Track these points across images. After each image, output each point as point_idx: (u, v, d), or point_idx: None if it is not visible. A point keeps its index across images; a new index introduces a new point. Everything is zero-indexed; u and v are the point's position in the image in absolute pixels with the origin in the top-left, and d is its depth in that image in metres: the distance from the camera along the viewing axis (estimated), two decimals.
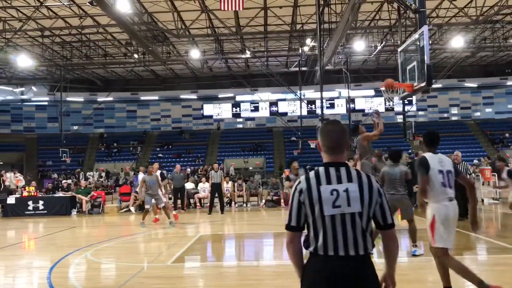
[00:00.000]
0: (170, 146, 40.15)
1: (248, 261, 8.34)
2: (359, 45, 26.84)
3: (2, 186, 21.78)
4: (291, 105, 41.08)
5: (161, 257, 8.49)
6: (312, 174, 2.55)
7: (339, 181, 2.48)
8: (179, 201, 17.27)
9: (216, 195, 16.23)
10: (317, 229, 2.47)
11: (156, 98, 41.93)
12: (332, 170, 2.52)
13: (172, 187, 17.55)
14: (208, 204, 16.76)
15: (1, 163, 38.42)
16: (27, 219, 16.21)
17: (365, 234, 2.47)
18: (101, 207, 17.81)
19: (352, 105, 38.26)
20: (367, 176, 2.56)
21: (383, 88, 9.89)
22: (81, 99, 41.07)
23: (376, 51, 27.81)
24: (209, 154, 38.74)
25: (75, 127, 39.45)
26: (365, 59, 33.73)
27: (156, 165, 15.14)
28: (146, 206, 12.80)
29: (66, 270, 7.44)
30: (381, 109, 35.49)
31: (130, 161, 37.96)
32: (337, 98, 41.10)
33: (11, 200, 17.29)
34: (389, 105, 35.56)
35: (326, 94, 35.68)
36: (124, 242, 10.24)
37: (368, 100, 41.18)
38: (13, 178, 22.30)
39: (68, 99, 37.38)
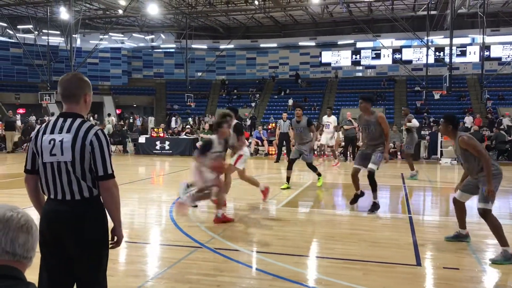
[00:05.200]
0: (288, 91, 40.15)
1: (359, 211, 8.25)
2: None
3: (135, 127, 23.98)
4: (417, 53, 38.36)
5: (274, 199, 8.76)
6: (45, 123, 2.83)
7: (60, 131, 2.71)
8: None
9: (284, 144, 16.35)
10: (41, 174, 2.75)
11: (275, 45, 41.97)
12: (60, 121, 2.75)
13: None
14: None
15: (135, 105, 42.24)
16: (155, 157, 17.79)
17: (80, 181, 2.69)
18: None
19: (486, 53, 34.55)
20: (89, 128, 2.72)
21: None
22: (205, 46, 42.71)
23: None
24: (325, 103, 38.21)
25: (199, 74, 41.41)
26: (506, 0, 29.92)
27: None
28: None
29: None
30: None
31: (249, 107, 39.08)
32: (470, 45, 37.38)
33: (142, 139, 19.04)
34: None
35: (457, 41, 32.67)
36: (240, 183, 10.69)
37: (506, 47, 36.87)
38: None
39: (193, 46, 39.21)
